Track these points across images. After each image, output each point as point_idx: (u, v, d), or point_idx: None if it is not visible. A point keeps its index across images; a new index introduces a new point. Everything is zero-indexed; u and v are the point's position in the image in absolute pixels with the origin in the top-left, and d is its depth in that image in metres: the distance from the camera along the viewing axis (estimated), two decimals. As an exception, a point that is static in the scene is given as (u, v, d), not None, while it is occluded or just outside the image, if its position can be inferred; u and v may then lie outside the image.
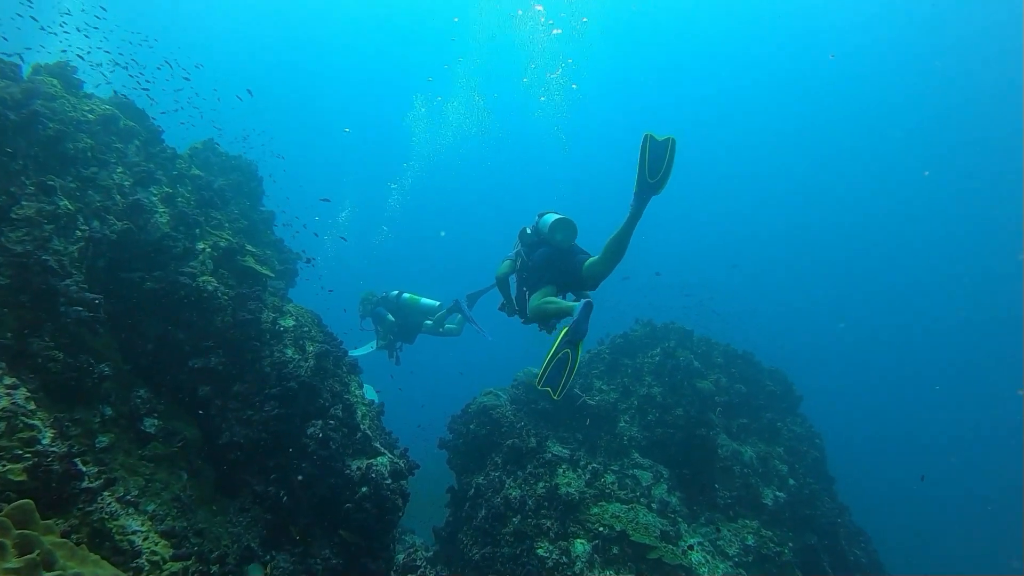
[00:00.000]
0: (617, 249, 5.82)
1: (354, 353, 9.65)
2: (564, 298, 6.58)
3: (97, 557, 3.52)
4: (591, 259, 6.18)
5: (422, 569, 8.82)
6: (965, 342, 46.98)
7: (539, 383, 5.42)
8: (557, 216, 6.64)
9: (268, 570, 4.47)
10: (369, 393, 10.75)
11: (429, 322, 11.40)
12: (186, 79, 15.60)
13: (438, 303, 11.25)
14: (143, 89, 10.71)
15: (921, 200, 46.73)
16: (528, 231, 7.19)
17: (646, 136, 5.34)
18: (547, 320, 6.41)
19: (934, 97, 40.60)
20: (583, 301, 5.65)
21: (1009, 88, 35.10)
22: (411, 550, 9.86)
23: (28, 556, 2.79)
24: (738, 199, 53.87)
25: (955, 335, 48.07)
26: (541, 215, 7.00)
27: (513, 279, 7.46)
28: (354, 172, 47.42)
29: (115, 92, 7.55)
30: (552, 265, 6.52)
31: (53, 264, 4.54)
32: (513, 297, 7.40)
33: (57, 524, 3.51)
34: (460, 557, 8.72)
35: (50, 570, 2.90)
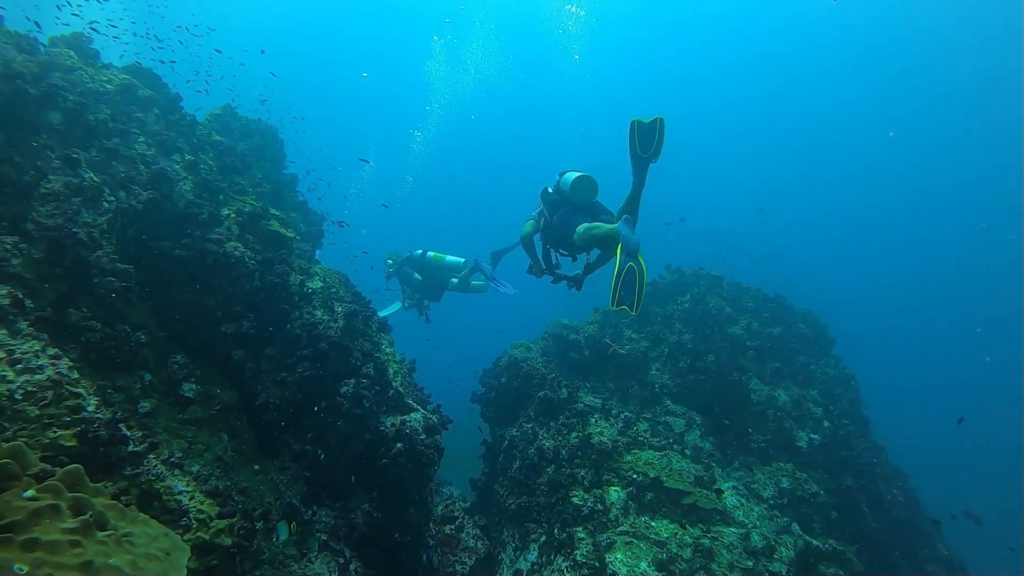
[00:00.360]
0: (629, 217, 5.99)
1: (381, 313, 9.72)
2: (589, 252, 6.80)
3: (146, 517, 3.65)
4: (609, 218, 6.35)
5: (460, 519, 9.04)
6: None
7: (613, 304, 5.49)
8: (578, 174, 6.67)
9: (292, 527, 4.59)
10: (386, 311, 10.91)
11: (455, 280, 11.40)
12: (218, 51, 15.44)
13: (463, 259, 11.23)
14: (161, 62, 10.70)
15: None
16: (550, 190, 7.17)
17: (633, 122, 5.69)
18: (597, 244, 6.48)
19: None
20: (623, 217, 5.93)
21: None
22: (448, 501, 10.11)
23: (82, 517, 2.90)
24: (763, 145, 52.46)
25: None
26: (562, 173, 7.00)
27: (538, 238, 7.47)
28: (376, 121, 47.04)
29: (135, 61, 7.55)
30: (575, 220, 6.60)
31: (83, 236, 4.61)
32: (540, 257, 7.41)
33: (106, 487, 3.64)
34: (497, 507, 8.92)
35: (103, 530, 3.02)
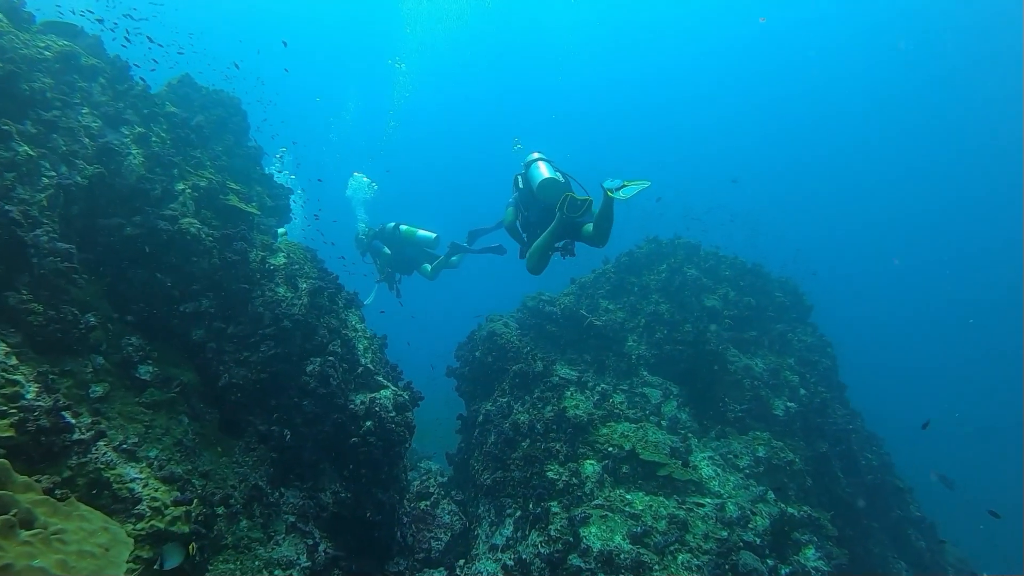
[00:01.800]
0: (604, 225, 6.48)
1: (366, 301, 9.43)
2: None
3: (88, 510, 3.48)
4: (587, 229, 6.78)
5: (435, 495, 8.97)
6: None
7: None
8: (544, 177, 7.08)
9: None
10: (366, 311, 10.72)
11: (428, 267, 11.16)
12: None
13: (435, 235, 10.99)
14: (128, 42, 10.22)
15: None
16: (520, 184, 7.33)
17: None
18: (543, 261, 7.14)
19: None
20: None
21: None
22: (425, 476, 10.03)
23: (3, 517, 2.71)
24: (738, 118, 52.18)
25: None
26: (529, 164, 7.14)
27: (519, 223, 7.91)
28: (355, 60, 45.83)
29: (75, 24, 7.14)
30: (545, 221, 7.09)
31: (16, 215, 4.34)
32: (525, 239, 7.76)
33: (42, 480, 3.46)
34: (472, 482, 8.84)
35: (29, 528, 2.84)
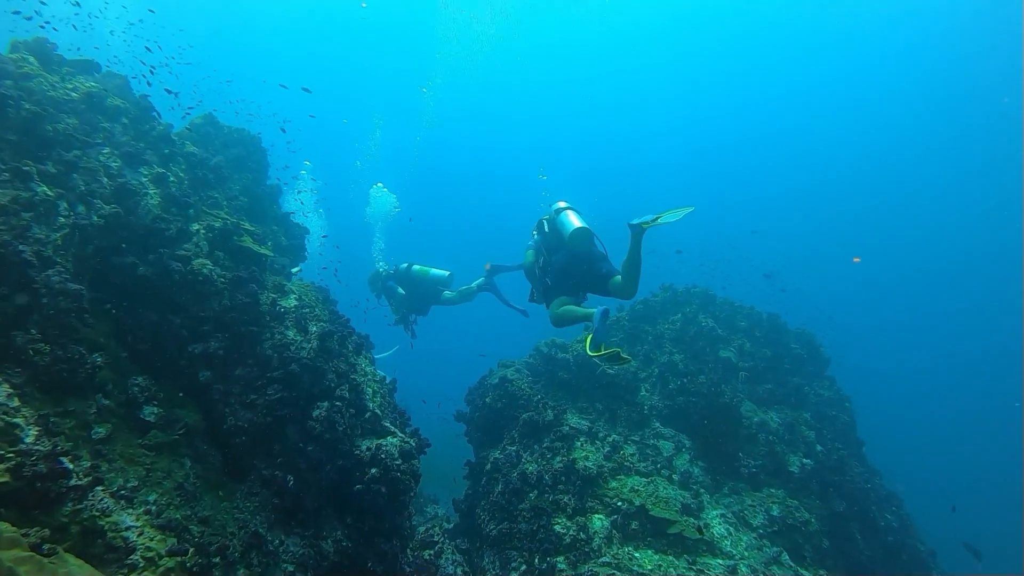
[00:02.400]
0: (634, 272, 6.41)
1: (379, 356, 9.33)
2: (583, 300, 7.42)
3: (76, 564, 3.39)
4: (616, 280, 6.75)
5: (440, 544, 8.74)
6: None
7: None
8: (576, 226, 7.12)
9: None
10: (383, 355, 10.62)
11: (449, 294, 11.08)
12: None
13: (447, 273, 10.96)
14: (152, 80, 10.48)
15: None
16: (546, 227, 7.42)
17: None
18: (569, 324, 6.98)
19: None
20: (600, 309, 6.31)
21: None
22: (430, 524, 9.81)
23: (-15, 576, 2.63)
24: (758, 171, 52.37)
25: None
26: (558, 211, 7.28)
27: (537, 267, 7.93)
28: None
29: (107, 69, 7.30)
30: (571, 273, 7.17)
31: (29, 255, 4.35)
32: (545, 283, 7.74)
33: (30, 534, 3.37)
34: (478, 532, 8.63)
35: (14, 587, 2.75)
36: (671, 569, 7.10)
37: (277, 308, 6.66)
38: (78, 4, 10.23)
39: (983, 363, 39.89)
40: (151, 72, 9.39)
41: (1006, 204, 40.90)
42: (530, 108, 50.93)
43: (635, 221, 6.12)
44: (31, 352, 4.60)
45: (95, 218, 5.40)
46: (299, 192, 13.80)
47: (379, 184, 14.56)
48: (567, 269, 7.27)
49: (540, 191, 8.83)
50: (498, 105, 50.42)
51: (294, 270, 8.70)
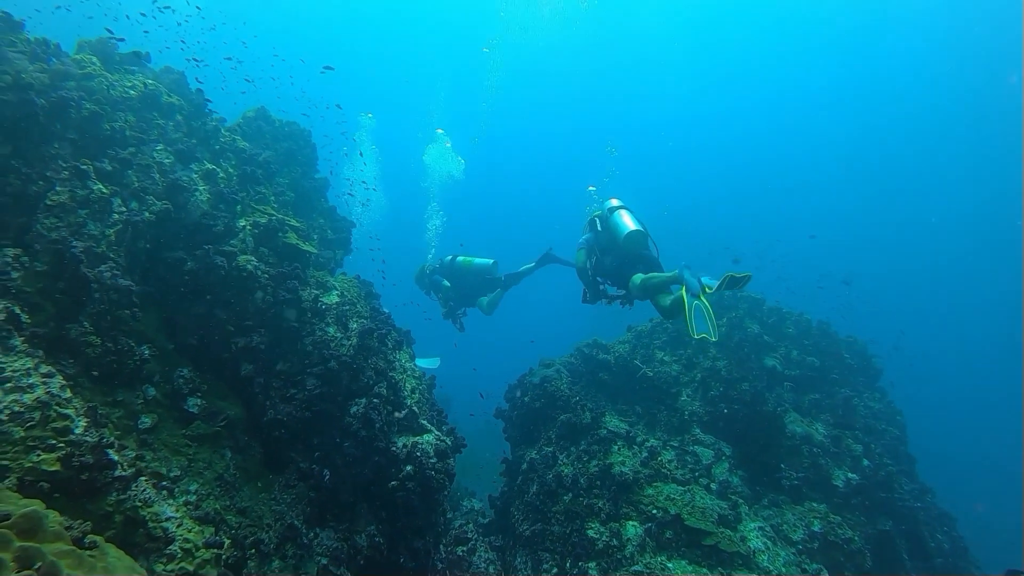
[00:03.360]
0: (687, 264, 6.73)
1: (420, 363, 9.38)
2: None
3: (115, 557, 3.51)
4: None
5: (473, 541, 8.81)
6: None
7: (693, 334, 6.15)
8: (631, 228, 7.28)
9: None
10: (425, 363, 10.69)
11: (484, 300, 10.99)
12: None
13: (492, 261, 10.94)
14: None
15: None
16: (599, 226, 7.48)
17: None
18: (656, 291, 7.10)
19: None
20: (682, 265, 6.65)
21: None
22: (466, 518, 9.91)
23: (26, 572, 2.75)
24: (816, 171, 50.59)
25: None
26: (611, 210, 7.38)
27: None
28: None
29: (165, 65, 7.52)
30: (624, 275, 7.40)
31: (79, 251, 4.51)
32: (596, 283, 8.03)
33: (74, 526, 3.50)
34: (512, 530, 8.65)
35: (53, 580, 2.87)
36: (704, 582, 6.99)
37: (319, 304, 6.77)
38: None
39: (984, 359, 38.11)
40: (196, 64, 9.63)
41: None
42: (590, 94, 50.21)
43: (705, 283, 6.38)
44: (83, 344, 4.79)
45: (147, 214, 5.57)
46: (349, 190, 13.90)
47: (440, 131, 14.35)
48: (620, 271, 7.44)
49: (586, 201, 8.78)
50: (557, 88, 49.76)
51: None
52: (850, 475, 9.47)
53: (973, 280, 46.64)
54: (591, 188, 9.79)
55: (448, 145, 14.62)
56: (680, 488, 8.29)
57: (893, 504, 9.58)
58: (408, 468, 6.73)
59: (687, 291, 6.33)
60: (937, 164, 44.58)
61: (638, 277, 7.10)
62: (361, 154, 14.65)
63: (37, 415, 4.10)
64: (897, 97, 42.44)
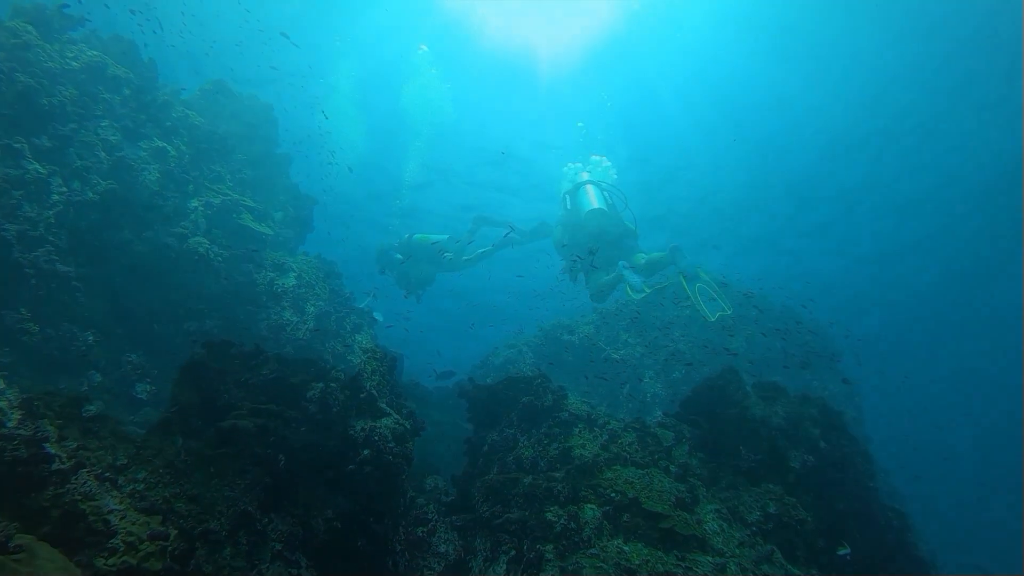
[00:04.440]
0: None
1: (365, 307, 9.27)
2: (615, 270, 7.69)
3: (46, 557, 3.42)
4: (639, 259, 7.50)
5: (433, 522, 8.81)
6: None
7: (711, 317, 6.41)
8: (592, 207, 7.33)
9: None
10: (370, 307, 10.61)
11: (450, 255, 10.80)
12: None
13: (446, 236, 10.82)
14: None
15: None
16: (568, 202, 7.49)
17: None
18: (609, 292, 7.50)
19: None
20: (670, 247, 6.86)
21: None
22: (427, 497, 9.91)
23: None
24: None
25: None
26: (577, 186, 7.38)
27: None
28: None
29: (114, 32, 7.17)
30: (595, 251, 7.40)
31: (11, 236, 4.32)
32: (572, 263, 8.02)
33: (2, 526, 3.40)
34: (472, 510, 8.68)
35: (-25, 588, 2.78)
36: (659, 565, 7.09)
37: (275, 288, 6.63)
38: None
39: (984, 364, 38.98)
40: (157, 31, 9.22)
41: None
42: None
43: (684, 271, 6.57)
44: (20, 332, 4.61)
45: (90, 195, 5.36)
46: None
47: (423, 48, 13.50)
48: (590, 247, 7.44)
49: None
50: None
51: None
52: (807, 456, 9.64)
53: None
54: (579, 124, 9.68)
55: (433, 72, 14.01)
56: (639, 471, 8.37)
57: (847, 484, 9.80)
58: (365, 452, 6.69)
59: (685, 277, 6.39)
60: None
61: (641, 258, 7.20)
62: (327, 117, 14.20)
63: (-32, 408, 3.95)
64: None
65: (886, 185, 26.53)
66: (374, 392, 7.25)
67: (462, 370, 11.57)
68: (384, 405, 7.30)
